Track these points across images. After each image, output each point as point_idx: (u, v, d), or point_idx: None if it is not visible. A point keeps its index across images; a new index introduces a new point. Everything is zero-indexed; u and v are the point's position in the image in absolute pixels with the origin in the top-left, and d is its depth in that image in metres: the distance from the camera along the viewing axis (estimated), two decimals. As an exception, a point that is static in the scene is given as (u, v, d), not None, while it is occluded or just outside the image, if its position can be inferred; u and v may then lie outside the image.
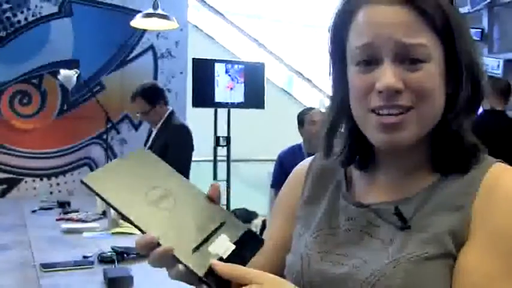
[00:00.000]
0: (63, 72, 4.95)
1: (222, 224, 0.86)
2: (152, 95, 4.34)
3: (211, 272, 0.79)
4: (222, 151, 6.14)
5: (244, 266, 0.83)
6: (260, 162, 6.86)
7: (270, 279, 0.77)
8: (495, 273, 0.82)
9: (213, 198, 0.88)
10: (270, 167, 5.02)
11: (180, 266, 0.79)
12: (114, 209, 0.81)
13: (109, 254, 2.41)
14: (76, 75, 4.97)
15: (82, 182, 0.80)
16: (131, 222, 0.81)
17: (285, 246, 1.06)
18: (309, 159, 1.14)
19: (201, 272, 0.79)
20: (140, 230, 0.80)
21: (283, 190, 1.16)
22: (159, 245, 0.79)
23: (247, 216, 6.19)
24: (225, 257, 0.82)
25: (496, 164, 0.91)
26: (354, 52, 0.91)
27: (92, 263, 2.36)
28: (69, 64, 5.39)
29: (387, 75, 0.87)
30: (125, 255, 2.41)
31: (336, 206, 1.01)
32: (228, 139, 6.11)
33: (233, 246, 0.83)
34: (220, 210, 0.88)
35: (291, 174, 1.16)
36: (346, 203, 1.00)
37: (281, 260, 1.06)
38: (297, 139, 4.75)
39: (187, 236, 0.82)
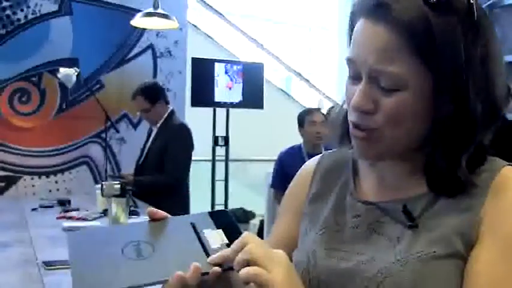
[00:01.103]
0: (63, 71, 4.95)
1: (193, 226, 0.88)
2: (153, 94, 4.36)
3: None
4: (220, 151, 6.16)
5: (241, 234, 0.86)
6: (258, 162, 6.88)
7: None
8: (508, 278, 0.83)
9: (159, 218, 0.90)
10: (269, 167, 5.04)
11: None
12: None
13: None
14: (76, 73, 4.97)
15: None
16: (150, 284, 0.80)
17: (289, 244, 1.07)
18: (316, 158, 1.15)
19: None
20: (161, 282, 0.81)
21: (290, 188, 1.18)
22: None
23: (245, 216, 6.20)
24: (227, 241, 0.85)
25: (506, 167, 0.92)
26: (346, 63, 0.94)
27: (95, 261, 2.36)
28: (68, 63, 5.39)
29: (357, 95, 0.89)
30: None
31: (343, 203, 1.03)
32: (226, 139, 6.13)
33: (220, 230, 0.87)
34: (177, 220, 0.90)
35: (298, 172, 1.17)
36: (354, 200, 1.01)
37: None
38: (296, 139, 4.77)
39: (190, 256, 0.83)
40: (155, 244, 0.85)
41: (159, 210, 0.90)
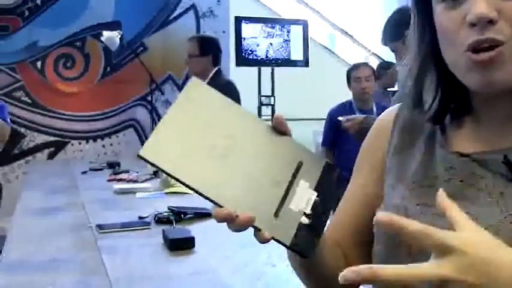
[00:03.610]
0: (106, 34, 4.92)
1: (299, 166, 0.79)
2: (207, 45, 4.31)
3: (297, 236, 0.74)
4: (266, 110, 6.08)
5: (328, 214, 0.78)
6: (304, 121, 6.79)
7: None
8: None
9: (282, 131, 0.80)
10: (315, 126, 4.96)
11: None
12: (182, 183, 0.72)
13: (166, 214, 2.36)
14: (119, 36, 4.93)
15: (139, 156, 0.71)
16: (203, 195, 0.73)
17: (365, 202, 0.99)
18: (394, 109, 1.05)
19: (288, 242, 0.74)
20: (214, 203, 0.73)
21: (365, 143, 1.07)
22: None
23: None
24: (308, 211, 0.76)
25: None
26: None
27: (149, 223, 2.33)
28: (110, 26, 5.37)
29: (478, 4, 0.77)
30: (182, 215, 2.36)
31: (433, 156, 0.91)
32: (272, 98, 6.04)
33: (315, 194, 0.77)
34: (293, 146, 0.81)
35: (374, 125, 1.07)
36: (445, 152, 0.90)
37: (363, 217, 0.98)
38: (341, 97, 4.66)
39: (265, 197, 0.75)
40: (248, 155, 0.77)
41: (286, 124, 0.81)
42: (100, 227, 2.28)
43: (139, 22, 5.69)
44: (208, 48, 4.30)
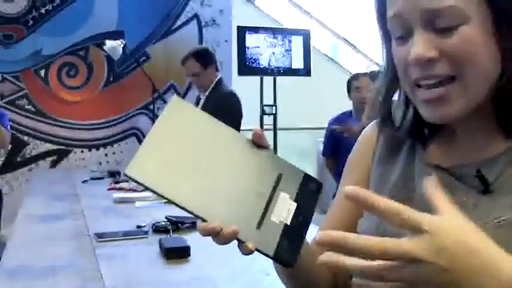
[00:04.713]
0: (109, 43, 4.96)
1: (279, 178, 0.81)
2: (205, 57, 4.31)
3: (279, 247, 0.77)
4: (268, 120, 6.09)
5: (309, 223, 0.80)
6: (307, 130, 6.80)
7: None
8: None
9: (261, 145, 0.83)
10: (317, 135, 4.97)
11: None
12: (168, 199, 0.76)
13: (163, 223, 2.39)
14: (122, 45, 4.97)
15: (125, 175, 0.75)
16: (188, 211, 0.76)
17: (354, 210, 1.00)
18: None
19: (271, 252, 0.76)
20: (199, 217, 0.76)
21: (353, 152, 1.10)
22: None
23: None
24: (289, 222, 0.78)
25: None
26: (390, 24, 0.85)
27: (147, 232, 2.35)
28: (114, 35, 5.41)
29: (416, 45, 0.80)
30: (180, 224, 2.39)
31: (411, 169, 0.95)
32: (274, 108, 6.06)
33: (295, 205, 0.79)
34: (272, 159, 0.83)
35: (361, 135, 1.10)
36: (423, 165, 0.93)
37: (350, 224, 1.01)
38: (343, 106, 4.68)
39: (247, 209, 0.78)
40: (229, 170, 0.79)
41: (265, 137, 0.84)
42: (98, 235, 2.30)
43: (142, 31, 5.73)
44: (207, 59, 4.32)
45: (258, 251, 0.76)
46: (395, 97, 0.97)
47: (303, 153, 6.63)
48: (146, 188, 0.75)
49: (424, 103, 0.84)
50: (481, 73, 0.80)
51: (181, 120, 0.81)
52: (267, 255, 0.77)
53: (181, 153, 0.78)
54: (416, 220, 0.64)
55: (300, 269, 0.92)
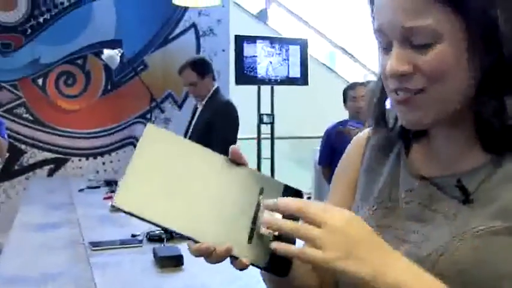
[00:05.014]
0: (107, 52, 4.97)
1: (261, 192, 0.83)
2: (202, 67, 4.31)
3: (272, 258, 0.79)
4: (266, 129, 6.11)
5: None
6: (304, 139, 6.81)
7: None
8: None
9: (239, 161, 0.85)
10: (314, 144, 4.98)
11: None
12: (160, 226, 0.78)
13: (157, 232, 2.40)
14: (119, 54, 4.98)
15: (113, 206, 0.76)
16: (181, 235, 0.77)
17: None
18: (367, 129, 1.09)
19: (265, 265, 0.79)
20: (192, 240, 0.77)
21: (342, 161, 1.11)
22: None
23: (292, 194, 6.15)
24: (277, 232, 0.79)
25: None
26: (375, 35, 0.88)
27: (141, 241, 2.36)
28: (112, 44, 5.42)
29: (391, 61, 0.83)
30: (174, 233, 2.39)
31: (396, 178, 0.96)
32: (271, 117, 6.07)
33: (280, 216, 0.80)
34: (252, 174, 0.85)
35: (350, 144, 1.11)
36: (407, 174, 0.95)
37: None
38: (341, 115, 4.69)
39: (236, 226, 0.79)
40: (212, 190, 0.81)
41: (242, 154, 0.85)
42: (93, 244, 2.31)
43: (140, 40, 5.75)
44: (204, 68, 4.33)
45: (252, 264, 0.78)
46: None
47: (301, 162, 6.64)
48: (136, 217, 0.76)
49: (396, 107, 0.88)
50: (449, 89, 0.82)
51: (159, 146, 0.82)
52: (261, 268, 0.79)
53: (164, 179, 0.79)
54: (313, 215, 0.75)
55: (289, 278, 0.94)
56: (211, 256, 0.77)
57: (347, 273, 0.73)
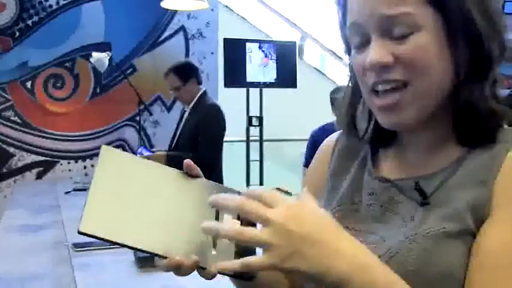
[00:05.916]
0: (96, 55, 4.98)
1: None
2: (185, 72, 4.34)
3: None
4: (254, 131, 6.12)
5: None
6: (293, 141, 6.82)
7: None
8: None
9: (194, 174, 0.86)
10: (303, 147, 4.98)
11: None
12: (128, 247, 0.77)
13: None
14: (108, 57, 4.99)
15: (80, 232, 0.74)
16: (149, 253, 0.78)
17: None
18: (335, 134, 1.10)
19: (231, 272, 0.78)
20: (160, 256, 0.78)
21: (311, 166, 1.13)
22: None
23: (280, 196, 6.16)
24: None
25: None
26: (349, 33, 0.89)
27: (123, 242, 2.37)
28: (101, 47, 5.42)
29: (372, 52, 0.84)
30: (141, 252, 2.40)
31: (360, 181, 0.98)
32: (260, 119, 6.09)
33: (238, 222, 0.82)
34: (208, 185, 0.87)
35: (318, 150, 1.13)
36: (370, 177, 0.96)
37: None
38: (330, 118, 4.70)
39: (200, 237, 0.80)
40: (172, 205, 0.82)
41: (196, 167, 0.86)
42: (75, 245, 2.32)
43: (129, 43, 5.75)
44: (187, 73, 4.35)
45: (220, 273, 0.79)
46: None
47: (289, 164, 6.65)
48: (103, 240, 0.76)
49: (378, 111, 0.88)
50: (433, 81, 0.83)
51: (116, 167, 0.82)
52: (229, 275, 0.79)
53: (125, 199, 0.80)
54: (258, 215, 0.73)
55: (258, 282, 0.95)
56: (180, 270, 0.77)
57: (299, 273, 0.71)
